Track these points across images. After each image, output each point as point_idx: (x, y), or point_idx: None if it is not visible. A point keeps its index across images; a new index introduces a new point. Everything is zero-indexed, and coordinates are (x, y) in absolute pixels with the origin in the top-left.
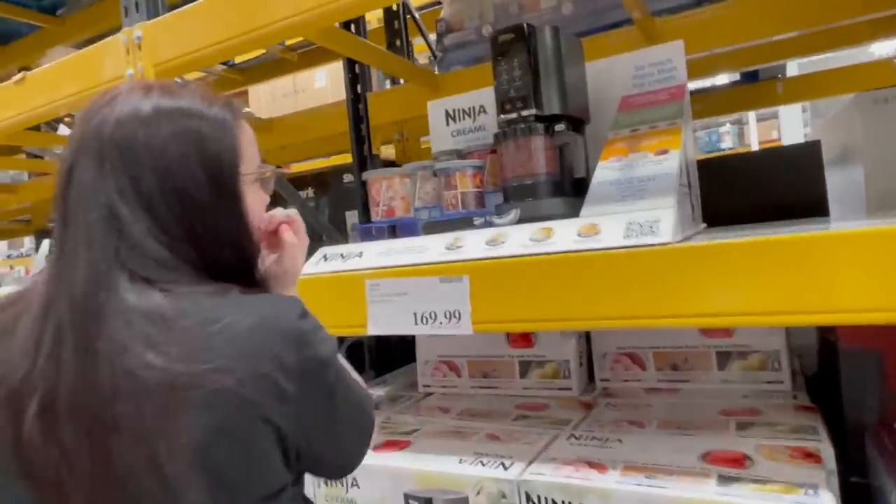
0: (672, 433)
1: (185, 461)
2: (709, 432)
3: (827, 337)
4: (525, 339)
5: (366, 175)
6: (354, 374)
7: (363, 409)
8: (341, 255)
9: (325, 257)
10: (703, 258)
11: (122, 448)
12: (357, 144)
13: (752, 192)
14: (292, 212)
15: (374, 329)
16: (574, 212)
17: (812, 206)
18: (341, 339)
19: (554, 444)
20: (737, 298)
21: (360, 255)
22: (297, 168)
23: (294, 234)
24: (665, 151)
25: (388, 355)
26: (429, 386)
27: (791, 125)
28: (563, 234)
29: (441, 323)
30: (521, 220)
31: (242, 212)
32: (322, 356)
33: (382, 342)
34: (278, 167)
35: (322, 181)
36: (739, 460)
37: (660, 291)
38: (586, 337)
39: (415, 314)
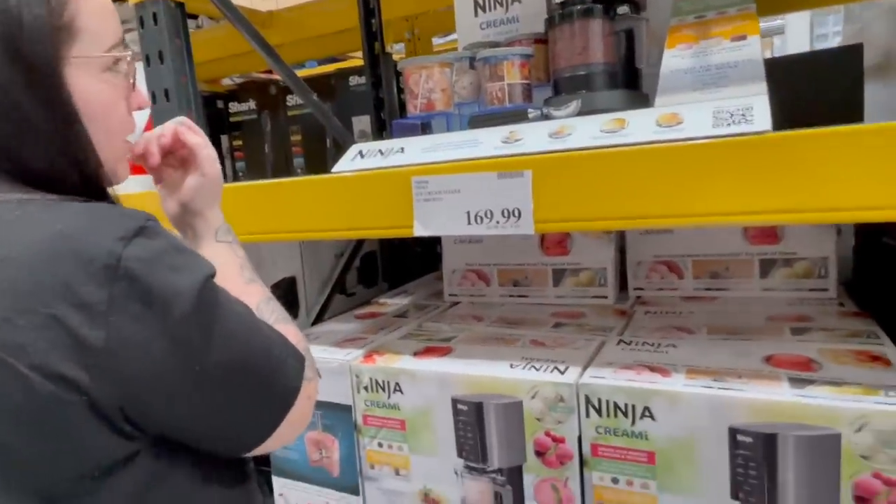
0: (725, 338)
1: None
2: (764, 337)
3: (886, 241)
4: (560, 245)
5: (402, 64)
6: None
7: (261, 368)
8: (380, 152)
9: (362, 154)
10: (809, 147)
11: None
12: (368, 41)
13: (782, 97)
14: (179, 118)
15: (421, 230)
16: (635, 105)
17: (847, 115)
18: (357, 247)
19: (605, 350)
20: (845, 191)
21: (402, 150)
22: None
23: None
24: (742, 37)
25: (402, 266)
26: (455, 295)
27: (796, 42)
28: (640, 125)
29: (498, 222)
30: (579, 114)
31: (63, 104)
32: (159, 292)
33: (397, 252)
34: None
35: (326, 85)
36: (806, 363)
37: (757, 185)
38: (620, 244)
39: (468, 213)
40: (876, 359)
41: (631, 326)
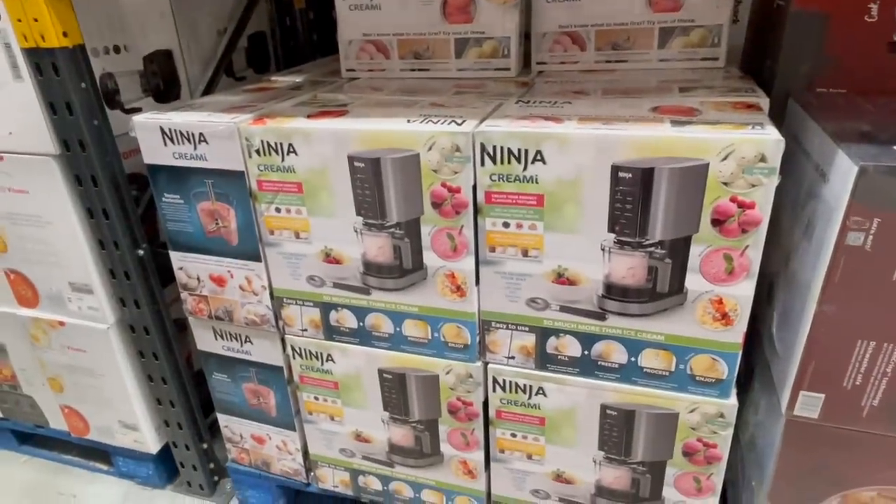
0: (618, 97)
1: None
2: (654, 94)
3: (778, 3)
4: (463, 12)
5: None
6: None
7: None
8: None
9: None
10: None
11: None
12: None
13: None
14: None
15: None
16: None
17: None
18: (242, 24)
19: (503, 107)
20: None
21: None
22: None
23: None
24: None
25: (296, 51)
26: (353, 70)
27: None
28: None
29: None
30: None
31: None
32: None
33: (288, 34)
34: None
35: None
36: (688, 111)
37: None
38: (526, 15)
39: None
40: (750, 106)
41: (531, 91)
